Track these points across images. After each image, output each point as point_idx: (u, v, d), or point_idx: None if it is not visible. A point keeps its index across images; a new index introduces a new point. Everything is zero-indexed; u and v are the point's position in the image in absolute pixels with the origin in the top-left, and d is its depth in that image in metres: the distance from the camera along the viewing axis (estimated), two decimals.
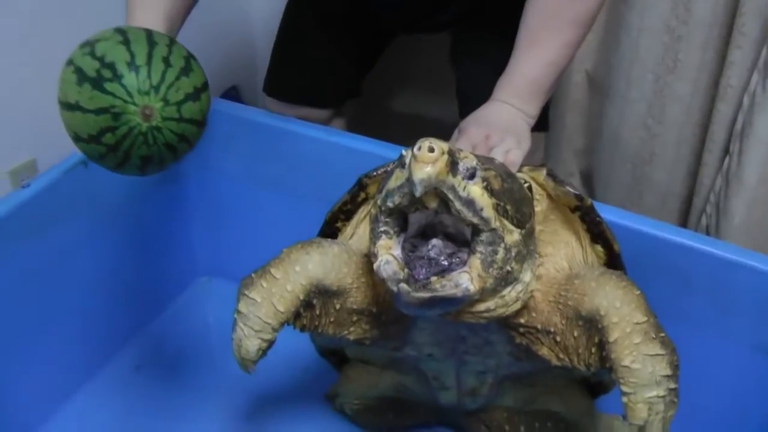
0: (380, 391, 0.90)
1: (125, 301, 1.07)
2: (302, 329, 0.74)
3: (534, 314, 0.68)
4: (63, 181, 0.92)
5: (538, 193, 0.73)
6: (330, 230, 0.79)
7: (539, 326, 0.68)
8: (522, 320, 0.68)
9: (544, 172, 0.73)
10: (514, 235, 0.61)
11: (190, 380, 1.03)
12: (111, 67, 0.63)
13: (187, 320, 1.13)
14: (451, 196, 0.57)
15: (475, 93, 0.88)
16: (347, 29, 1.07)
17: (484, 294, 0.61)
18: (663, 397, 0.62)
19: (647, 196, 1.25)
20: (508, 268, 0.61)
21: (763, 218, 1.09)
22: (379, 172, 0.75)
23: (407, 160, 0.57)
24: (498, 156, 0.73)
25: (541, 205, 0.73)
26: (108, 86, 0.63)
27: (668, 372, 0.62)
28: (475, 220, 0.58)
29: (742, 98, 1.07)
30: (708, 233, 1.15)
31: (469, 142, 0.77)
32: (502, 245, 0.60)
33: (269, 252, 0.72)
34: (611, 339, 0.63)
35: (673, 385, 0.62)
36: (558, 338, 0.68)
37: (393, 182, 0.59)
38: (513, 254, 0.61)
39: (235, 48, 1.49)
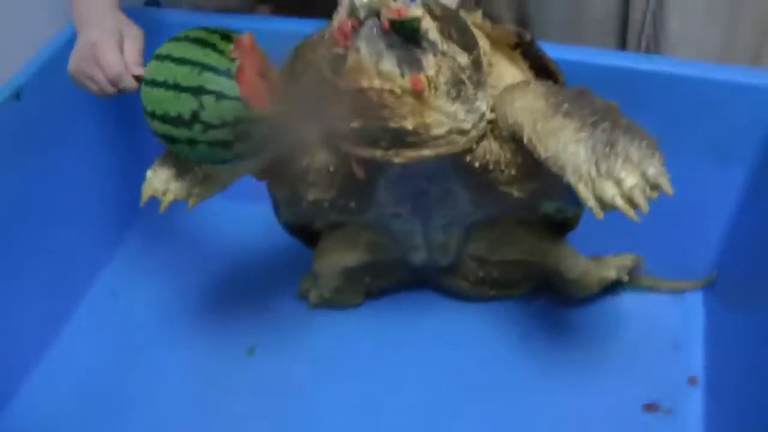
0: (358, 256, 0.90)
1: (88, 238, 1.05)
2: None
3: (486, 153, 0.68)
4: None
5: (477, 35, 0.71)
6: None
7: (491, 166, 0.69)
8: (476, 162, 0.68)
9: (479, 13, 0.72)
10: (464, 58, 0.61)
11: (165, 301, 1.02)
12: None
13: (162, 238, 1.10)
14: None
15: None
16: None
17: (439, 98, 0.60)
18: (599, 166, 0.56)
19: (586, 28, 1.18)
20: (463, 77, 0.61)
21: (702, 26, 1.06)
22: (313, 37, 0.71)
23: None
24: None
25: (483, 47, 0.72)
26: None
27: (589, 133, 0.58)
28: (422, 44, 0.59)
29: None
30: (648, 50, 1.10)
31: None
32: (456, 63, 0.60)
33: None
34: (525, 140, 0.62)
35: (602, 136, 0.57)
36: (513, 171, 0.69)
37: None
38: (467, 74, 0.61)
39: None
